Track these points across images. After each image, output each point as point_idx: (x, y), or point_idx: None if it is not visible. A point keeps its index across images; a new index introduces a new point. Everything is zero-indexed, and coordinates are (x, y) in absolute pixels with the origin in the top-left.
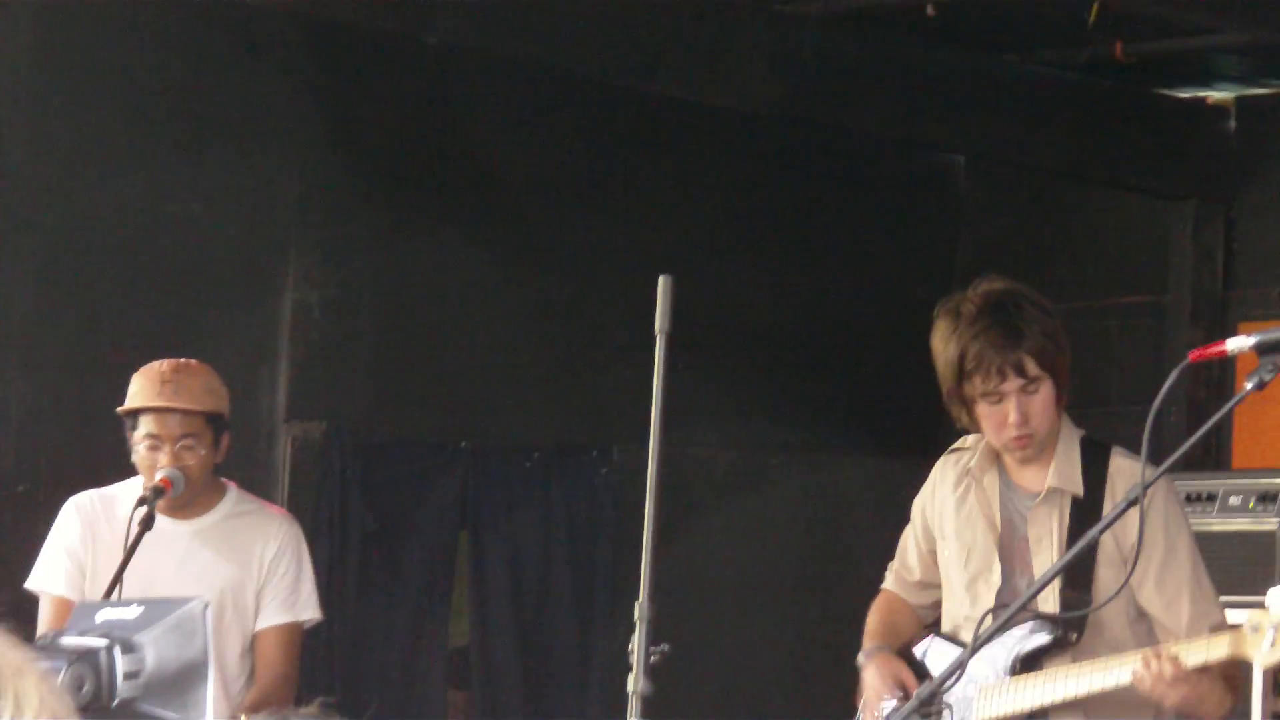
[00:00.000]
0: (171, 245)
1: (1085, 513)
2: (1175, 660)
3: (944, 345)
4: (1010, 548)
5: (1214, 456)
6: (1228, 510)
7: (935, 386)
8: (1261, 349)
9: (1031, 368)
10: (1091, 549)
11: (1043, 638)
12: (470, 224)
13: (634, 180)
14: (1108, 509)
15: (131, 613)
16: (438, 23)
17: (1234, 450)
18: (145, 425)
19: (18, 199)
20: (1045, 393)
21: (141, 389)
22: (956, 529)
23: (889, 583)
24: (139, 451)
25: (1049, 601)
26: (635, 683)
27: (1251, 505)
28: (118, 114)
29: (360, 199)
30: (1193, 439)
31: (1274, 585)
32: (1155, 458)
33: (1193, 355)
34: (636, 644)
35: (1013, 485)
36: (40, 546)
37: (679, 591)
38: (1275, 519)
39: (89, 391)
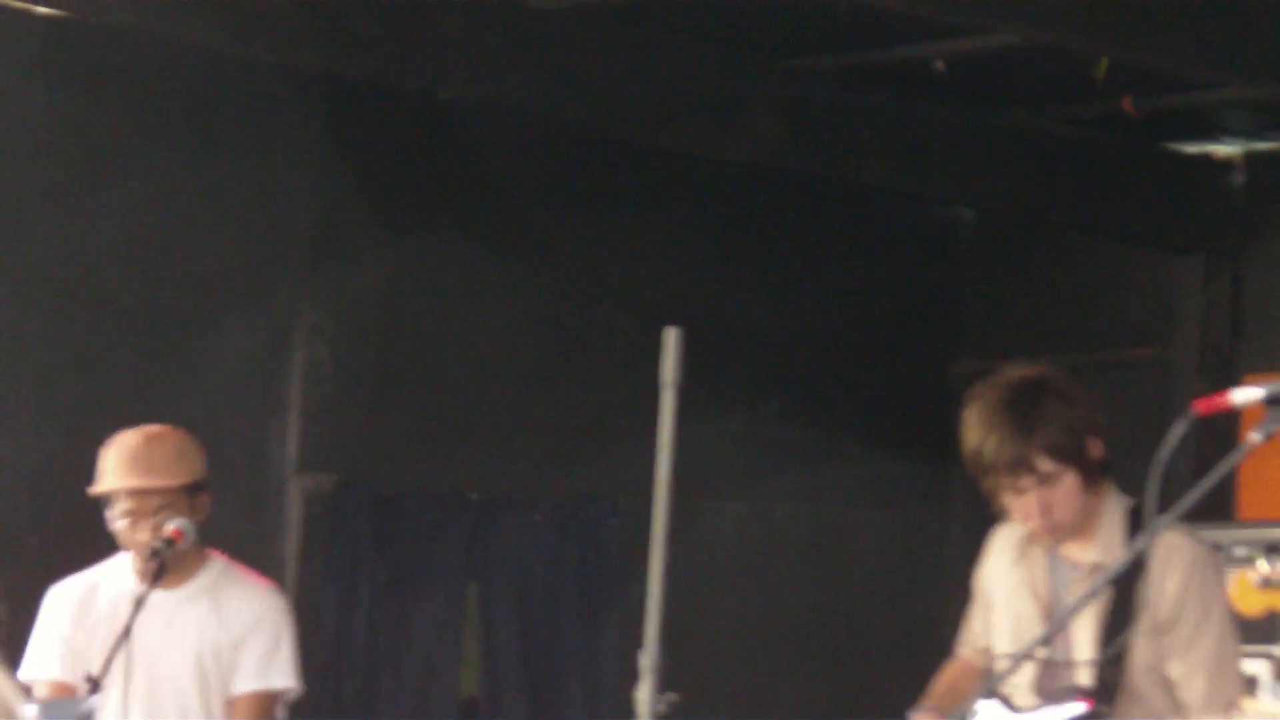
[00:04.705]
0: (182, 298)
1: (1125, 587)
2: None
3: (967, 436)
4: (1051, 619)
5: (1220, 509)
6: (1234, 561)
7: (941, 439)
8: (1270, 400)
9: (1044, 464)
10: (1129, 620)
11: (1078, 709)
12: (480, 279)
13: (642, 233)
14: (1152, 584)
15: (29, 713)
16: (450, 77)
17: (1240, 502)
18: (122, 503)
19: (27, 250)
20: (1067, 483)
21: (114, 467)
22: (1006, 598)
23: (961, 649)
24: (118, 527)
25: (1086, 675)
26: None
27: (1258, 557)
28: (128, 165)
29: (372, 253)
30: (1198, 490)
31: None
32: (1164, 512)
33: (1197, 406)
34: (644, 693)
35: (1059, 557)
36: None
37: (687, 641)
38: None
39: (99, 446)
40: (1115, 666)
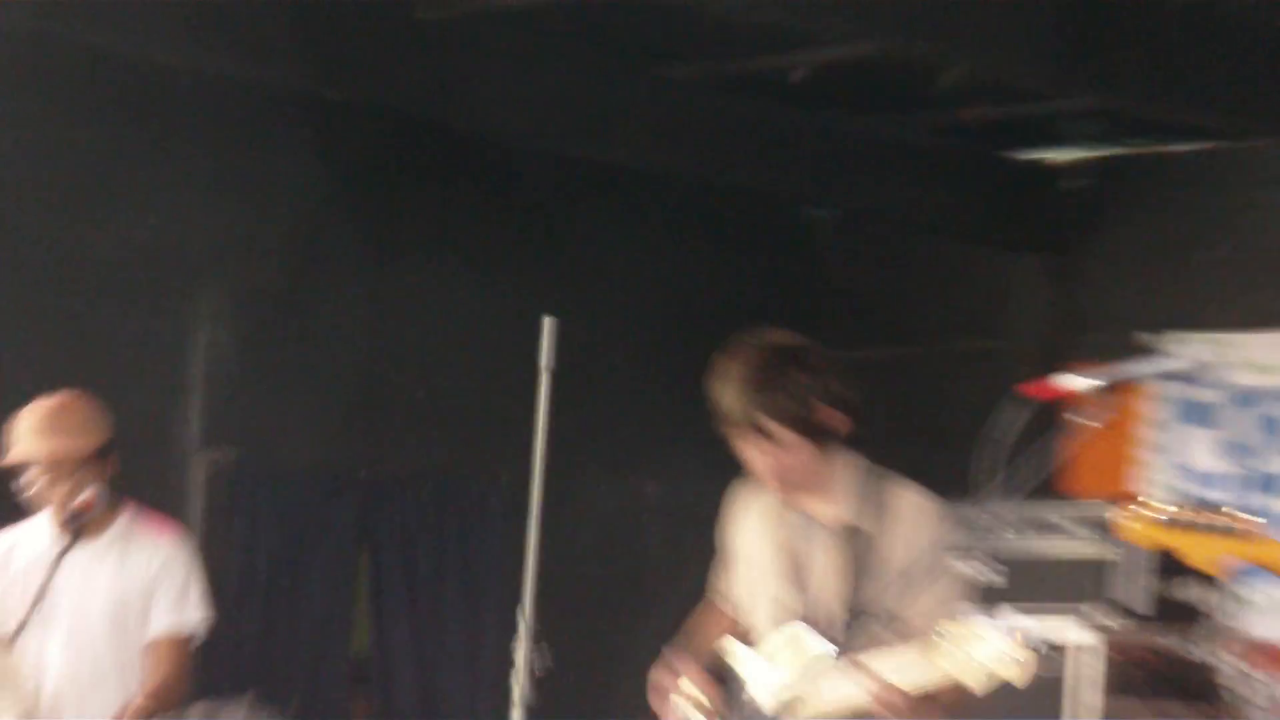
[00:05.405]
0: (89, 285)
1: (865, 541)
2: (901, 691)
3: (712, 386)
4: (795, 570)
5: (1054, 487)
6: (1065, 536)
7: None
8: (1098, 388)
9: (774, 429)
10: (870, 574)
11: (824, 648)
12: (369, 270)
13: (524, 228)
14: (888, 538)
15: None
16: (334, 79)
17: (1073, 480)
18: (38, 468)
19: None
20: (796, 449)
21: (26, 435)
22: (749, 552)
23: (713, 596)
24: (35, 490)
25: (833, 626)
26: (520, 683)
27: (1086, 532)
28: (25, 150)
29: (272, 244)
30: (1020, 472)
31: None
32: (999, 490)
33: (1024, 390)
34: (520, 647)
35: (812, 520)
36: None
37: (561, 603)
38: (1105, 545)
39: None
40: (861, 614)
